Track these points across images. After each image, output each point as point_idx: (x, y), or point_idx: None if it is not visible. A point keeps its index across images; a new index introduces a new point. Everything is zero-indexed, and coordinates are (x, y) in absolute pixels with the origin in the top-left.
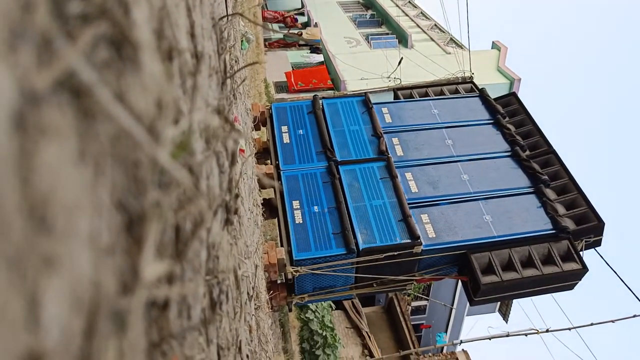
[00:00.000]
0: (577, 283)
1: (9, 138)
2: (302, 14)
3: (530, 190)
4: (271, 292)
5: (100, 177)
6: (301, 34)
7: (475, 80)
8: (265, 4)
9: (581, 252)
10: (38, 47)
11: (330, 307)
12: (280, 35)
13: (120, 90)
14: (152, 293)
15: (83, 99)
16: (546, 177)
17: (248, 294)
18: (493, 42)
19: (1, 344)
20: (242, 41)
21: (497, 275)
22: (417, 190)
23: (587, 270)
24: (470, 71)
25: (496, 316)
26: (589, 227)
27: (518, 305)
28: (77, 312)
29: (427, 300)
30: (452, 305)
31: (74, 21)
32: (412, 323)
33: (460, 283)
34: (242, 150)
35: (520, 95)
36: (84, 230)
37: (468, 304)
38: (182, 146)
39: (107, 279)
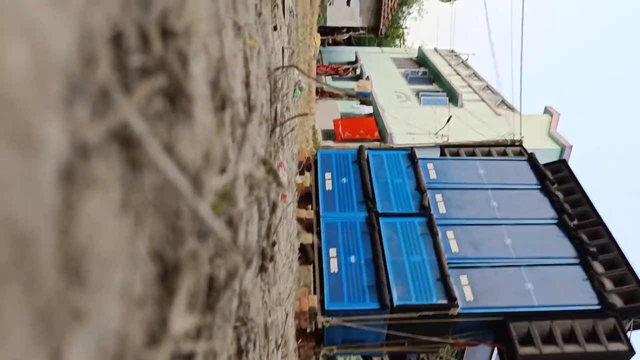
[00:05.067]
0: None
1: (55, 190)
2: (355, 67)
3: (577, 261)
4: (300, 340)
5: (139, 228)
6: (356, 94)
7: (524, 144)
8: (321, 57)
9: (629, 333)
10: (95, 100)
11: None
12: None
13: (169, 141)
14: (179, 346)
15: (132, 150)
16: (594, 249)
17: (276, 342)
18: (545, 107)
19: None
20: (295, 89)
21: (536, 347)
22: (457, 250)
23: (634, 353)
24: (520, 134)
25: None
26: (638, 306)
27: None
28: None
29: None
30: None
31: (133, 74)
32: None
33: (496, 351)
34: (284, 196)
35: (570, 163)
36: (117, 282)
37: None
38: (225, 196)
39: (134, 331)
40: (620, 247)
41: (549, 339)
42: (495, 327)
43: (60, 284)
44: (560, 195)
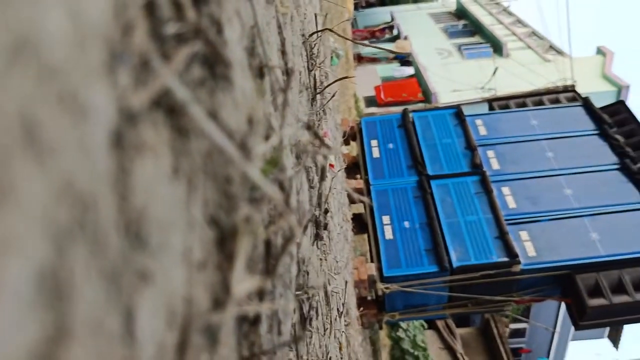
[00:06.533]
0: None
1: (108, 156)
2: (392, 27)
3: None
4: (361, 308)
5: (193, 194)
6: (393, 52)
7: (578, 89)
8: (355, 22)
9: None
10: (135, 68)
11: (423, 326)
12: (371, 50)
13: (212, 108)
14: (243, 309)
15: (177, 117)
16: None
17: (338, 310)
18: (598, 47)
19: (99, 359)
20: (332, 57)
21: (606, 297)
22: (515, 206)
23: None
24: (573, 79)
25: (605, 342)
26: None
27: (631, 331)
28: (170, 327)
29: (527, 322)
30: (555, 329)
31: (169, 41)
32: (510, 347)
33: (564, 305)
34: (331, 165)
35: (629, 103)
36: (177, 246)
37: (573, 328)
38: (272, 162)
39: (199, 295)
40: None
41: (619, 288)
42: (561, 281)
43: (124, 247)
44: (620, 138)
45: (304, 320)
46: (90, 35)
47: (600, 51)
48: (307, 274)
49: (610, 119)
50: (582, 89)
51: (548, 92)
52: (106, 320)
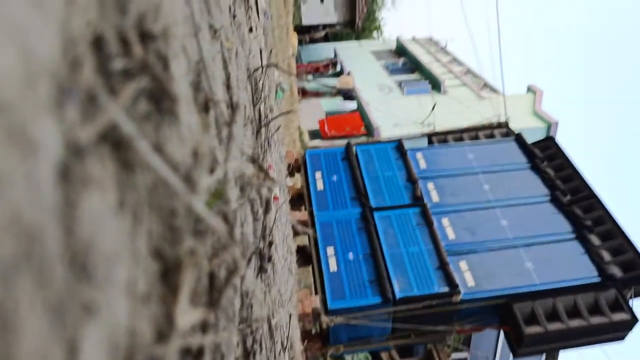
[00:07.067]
0: (627, 334)
1: (55, 189)
2: (335, 63)
3: (573, 236)
4: (306, 342)
5: (138, 226)
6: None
7: (511, 125)
8: (300, 57)
9: (630, 301)
10: (83, 103)
11: (367, 358)
12: (314, 85)
13: (158, 142)
14: (187, 341)
15: (123, 151)
16: (589, 222)
17: (282, 343)
18: (528, 86)
19: None
20: (276, 91)
21: (542, 325)
22: (454, 237)
23: (637, 320)
24: (506, 115)
25: None
26: (637, 274)
27: (565, 357)
28: (114, 359)
29: (468, 351)
30: (495, 357)
31: (116, 76)
32: None
33: (502, 333)
34: (276, 198)
35: (558, 139)
36: (121, 278)
37: (511, 355)
38: (217, 194)
39: (143, 327)
40: (614, 217)
41: (553, 316)
42: (500, 309)
43: (70, 279)
44: (551, 172)
45: (248, 354)
46: (39, 72)
47: (530, 89)
48: (251, 307)
49: (541, 154)
50: (514, 125)
51: (483, 127)
52: (50, 352)
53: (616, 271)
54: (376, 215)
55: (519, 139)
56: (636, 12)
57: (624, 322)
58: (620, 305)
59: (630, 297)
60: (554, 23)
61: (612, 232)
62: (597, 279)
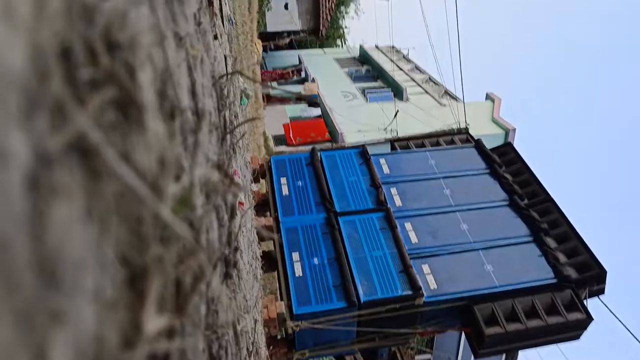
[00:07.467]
0: (583, 332)
1: (23, 198)
2: (300, 70)
3: (530, 239)
4: (271, 347)
5: (105, 234)
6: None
7: (470, 131)
8: (264, 63)
9: (585, 301)
10: (52, 113)
11: None
12: (279, 92)
13: (125, 150)
14: (153, 347)
15: (91, 160)
16: (545, 225)
17: (247, 349)
18: (487, 93)
19: None
20: (241, 97)
21: (501, 326)
22: (417, 241)
23: (592, 319)
24: (466, 122)
25: None
26: (591, 275)
27: (524, 356)
28: None
29: (431, 353)
30: (457, 358)
31: (84, 86)
32: None
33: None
34: (241, 204)
35: (515, 144)
36: (89, 285)
37: (472, 356)
38: (183, 202)
39: (110, 333)
40: (569, 220)
41: (512, 316)
42: (461, 311)
43: (38, 286)
44: (509, 177)
45: None
46: (9, 84)
47: (489, 97)
48: (217, 313)
49: (499, 159)
50: (474, 132)
51: (444, 134)
52: (19, 359)
53: (571, 272)
54: (341, 220)
55: (478, 145)
56: (592, 23)
57: (579, 322)
58: (575, 305)
59: (585, 298)
60: (513, 32)
61: (567, 234)
62: (553, 280)
